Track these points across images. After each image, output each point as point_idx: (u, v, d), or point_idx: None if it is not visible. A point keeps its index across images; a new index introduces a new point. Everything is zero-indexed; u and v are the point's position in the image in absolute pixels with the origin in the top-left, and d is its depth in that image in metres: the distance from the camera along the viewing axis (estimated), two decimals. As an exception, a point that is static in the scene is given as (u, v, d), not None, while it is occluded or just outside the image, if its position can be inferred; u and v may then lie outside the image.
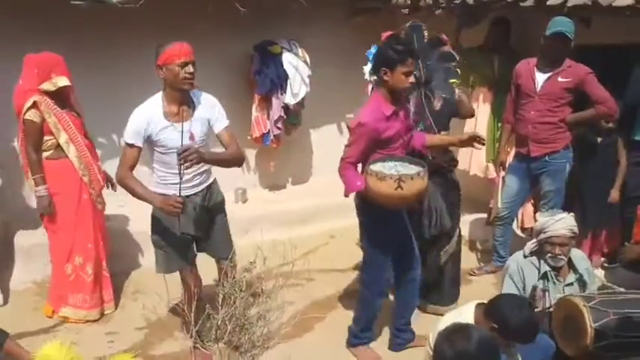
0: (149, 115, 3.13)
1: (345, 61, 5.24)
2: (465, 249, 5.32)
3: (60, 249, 3.97)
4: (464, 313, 2.82)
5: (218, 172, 5.34)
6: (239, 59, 5.44)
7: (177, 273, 3.40)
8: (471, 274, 4.69)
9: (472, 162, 5.24)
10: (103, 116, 4.69)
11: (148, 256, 4.59)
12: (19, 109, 3.75)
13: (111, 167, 3.89)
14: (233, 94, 5.52)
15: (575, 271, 3.35)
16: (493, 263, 4.67)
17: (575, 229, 3.31)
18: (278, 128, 5.39)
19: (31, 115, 3.71)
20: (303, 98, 5.43)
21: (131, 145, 3.14)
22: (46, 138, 3.79)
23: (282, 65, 5.25)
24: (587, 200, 4.44)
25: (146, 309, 4.03)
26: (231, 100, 5.51)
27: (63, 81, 3.76)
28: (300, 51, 5.34)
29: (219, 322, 2.82)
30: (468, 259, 5.07)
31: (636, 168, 4.37)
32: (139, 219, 4.79)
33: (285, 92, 5.31)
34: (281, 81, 5.27)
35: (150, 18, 4.71)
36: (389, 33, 3.91)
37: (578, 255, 3.39)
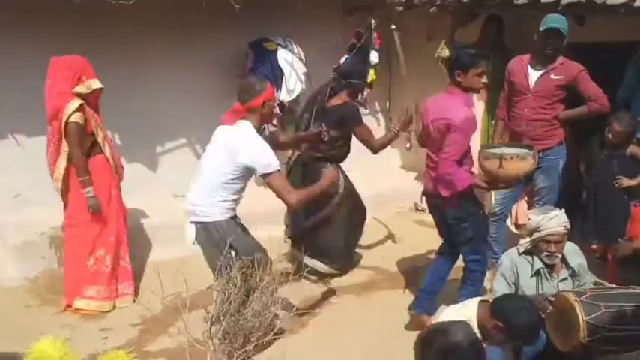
0: None
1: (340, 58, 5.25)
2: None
3: (84, 243, 4.04)
4: (466, 309, 2.84)
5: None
6: (234, 56, 5.43)
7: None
8: None
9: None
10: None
11: (141, 252, 4.60)
12: (56, 111, 3.83)
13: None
14: (227, 91, 5.51)
15: (568, 266, 3.36)
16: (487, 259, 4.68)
17: (568, 225, 3.33)
18: (273, 125, 5.39)
19: (77, 118, 3.81)
20: (298, 95, 5.43)
21: (279, 171, 3.38)
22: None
23: (277, 62, 5.25)
24: (596, 212, 4.32)
25: (140, 305, 4.04)
26: (226, 97, 5.52)
27: (97, 83, 3.90)
28: (295, 48, 5.34)
29: (214, 317, 2.82)
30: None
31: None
32: (133, 216, 4.79)
33: (280, 89, 5.30)
34: (276, 78, 5.27)
35: (144, 14, 4.70)
36: (355, 31, 4.22)
37: (571, 249, 3.39)
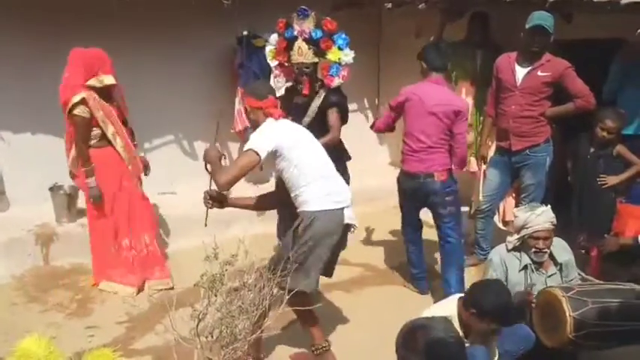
0: None
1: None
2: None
3: (104, 232, 4.19)
4: (448, 306, 2.85)
5: (199, 165, 5.31)
6: (222, 52, 5.41)
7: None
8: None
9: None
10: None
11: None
12: (66, 103, 3.91)
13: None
14: (216, 87, 5.50)
15: (556, 262, 3.38)
16: (475, 256, 4.69)
17: (555, 221, 3.35)
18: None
19: (80, 111, 3.90)
20: (286, 92, 5.41)
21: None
22: (92, 129, 4.01)
23: (265, 58, 5.21)
24: (582, 210, 4.33)
25: (127, 303, 4.02)
26: (214, 92, 5.51)
27: (109, 79, 3.97)
28: (283, 44, 5.32)
29: (201, 315, 2.80)
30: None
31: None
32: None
33: (268, 86, 5.29)
34: (264, 74, 5.24)
35: (132, 11, 4.66)
36: (283, 21, 4.17)
37: (559, 245, 3.41)
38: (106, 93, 4.03)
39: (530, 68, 4.14)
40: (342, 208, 3.13)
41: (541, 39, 4.02)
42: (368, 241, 5.24)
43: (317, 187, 3.08)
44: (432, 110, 3.82)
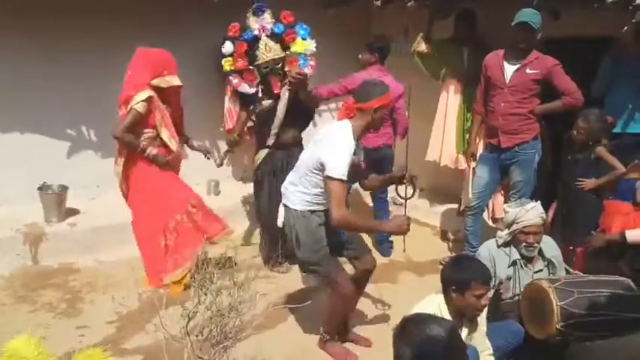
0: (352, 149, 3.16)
1: (318, 53, 5.23)
2: (436, 239, 5.41)
3: (149, 229, 4.14)
4: (434, 298, 2.86)
5: (190, 163, 5.32)
6: (212, 50, 5.38)
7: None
8: (442, 264, 4.74)
9: (443, 153, 5.29)
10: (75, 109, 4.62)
11: (118, 250, 4.55)
12: (127, 99, 3.89)
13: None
14: (206, 86, 5.49)
15: (544, 257, 3.41)
16: (465, 253, 4.72)
17: (545, 216, 3.38)
18: (251, 120, 5.36)
19: (140, 107, 3.87)
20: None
21: (343, 181, 3.06)
22: (146, 130, 3.98)
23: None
24: (564, 212, 4.28)
25: (116, 302, 4.00)
26: (204, 91, 5.50)
27: (176, 80, 4.00)
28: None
29: (191, 314, 2.80)
30: (440, 249, 5.14)
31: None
32: (109, 213, 4.75)
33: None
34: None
35: (121, 6, 4.65)
36: (236, 25, 4.24)
37: (547, 242, 3.44)
38: (169, 95, 4.05)
39: (518, 66, 4.16)
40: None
41: (527, 36, 4.04)
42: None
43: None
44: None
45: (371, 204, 5.18)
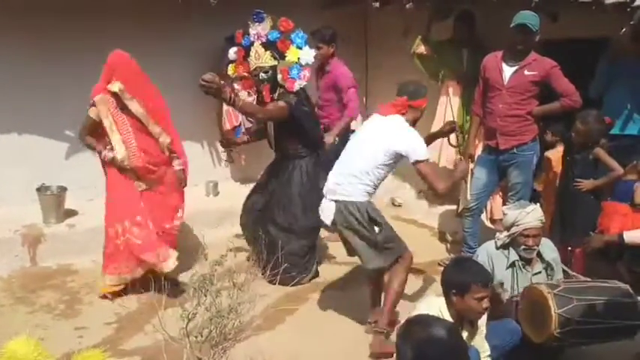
0: None
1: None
2: (434, 240, 5.41)
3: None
4: (434, 300, 2.86)
5: (188, 165, 5.29)
6: (210, 51, 5.39)
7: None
8: (441, 265, 4.75)
9: (441, 154, 5.30)
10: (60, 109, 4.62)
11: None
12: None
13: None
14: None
15: (543, 260, 3.41)
16: (463, 254, 4.73)
17: (544, 219, 3.39)
18: (249, 121, 5.37)
19: (90, 112, 3.93)
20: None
21: (429, 160, 3.48)
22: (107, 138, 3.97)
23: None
24: (562, 213, 4.28)
25: (115, 303, 4.00)
26: (202, 91, 5.48)
27: (112, 86, 3.86)
28: (272, 43, 5.32)
29: (190, 315, 2.80)
30: (438, 250, 5.14)
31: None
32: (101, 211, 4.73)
33: (256, 85, 5.28)
34: (252, 74, 5.24)
35: (119, 6, 4.65)
36: (241, 32, 4.16)
37: (545, 244, 3.45)
38: (120, 100, 3.93)
39: (517, 67, 4.17)
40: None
41: (525, 38, 4.05)
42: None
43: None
44: None
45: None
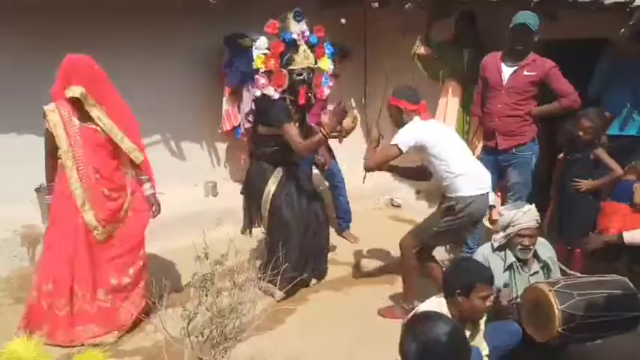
0: None
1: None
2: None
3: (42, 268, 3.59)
4: (436, 301, 2.86)
5: (187, 165, 5.32)
6: (209, 51, 5.40)
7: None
8: (441, 265, 4.75)
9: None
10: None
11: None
12: None
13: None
14: (203, 87, 5.49)
15: (539, 259, 3.42)
16: (462, 254, 4.73)
17: (539, 219, 3.39)
18: (249, 121, 5.37)
19: (46, 124, 3.45)
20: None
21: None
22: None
23: (252, 58, 5.20)
24: (560, 213, 4.30)
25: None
26: (202, 92, 5.50)
27: (72, 91, 3.37)
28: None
29: (191, 315, 2.80)
30: (437, 251, 5.13)
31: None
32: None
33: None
34: (252, 74, 5.23)
35: (117, 8, 4.64)
36: (274, 23, 3.93)
37: (542, 244, 3.45)
38: (78, 108, 3.43)
39: (516, 67, 4.18)
40: (487, 193, 3.72)
41: (525, 38, 4.06)
42: (356, 240, 5.27)
43: (467, 177, 3.63)
44: None
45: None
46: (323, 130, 3.85)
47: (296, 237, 4.09)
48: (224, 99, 5.38)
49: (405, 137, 3.63)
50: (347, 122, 3.95)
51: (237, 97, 5.33)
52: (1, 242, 4.43)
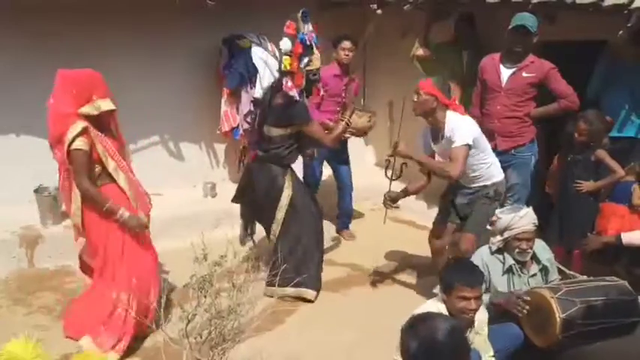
0: None
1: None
2: (433, 241, 5.41)
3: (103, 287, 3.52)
4: (435, 304, 2.87)
5: (186, 166, 5.31)
6: (208, 53, 5.40)
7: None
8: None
9: (440, 156, 5.30)
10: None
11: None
12: (59, 136, 3.28)
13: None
14: (202, 88, 5.49)
15: (538, 262, 3.40)
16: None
17: (537, 222, 3.37)
18: (247, 122, 5.37)
19: (81, 144, 3.23)
20: (272, 92, 5.39)
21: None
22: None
23: (251, 59, 5.22)
24: (561, 214, 4.28)
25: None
26: (200, 93, 5.50)
27: (107, 105, 3.32)
28: (269, 45, 5.31)
29: (190, 316, 2.80)
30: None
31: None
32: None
33: (254, 86, 5.28)
34: (250, 75, 5.25)
35: (116, 9, 4.64)
36: (293, 24, 3.90)
37: (539, 245, 3.44)
38: (102, 121, 3.37)
39: (514, 69, 4.18)
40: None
41: (523, 39, 4.07)
42: (354, 241, 5.28)
43: (495, 164, 3.93)
44: None
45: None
46: (347, 122, 4.18)
47: (315, 234, 4.24)
48: (222, 100, 5.38)
49: (466, 133, 3.70)
50: (363, 121, 4.40)
51: (236, 98, 5.34)
52: (0, 243, 4.41)
